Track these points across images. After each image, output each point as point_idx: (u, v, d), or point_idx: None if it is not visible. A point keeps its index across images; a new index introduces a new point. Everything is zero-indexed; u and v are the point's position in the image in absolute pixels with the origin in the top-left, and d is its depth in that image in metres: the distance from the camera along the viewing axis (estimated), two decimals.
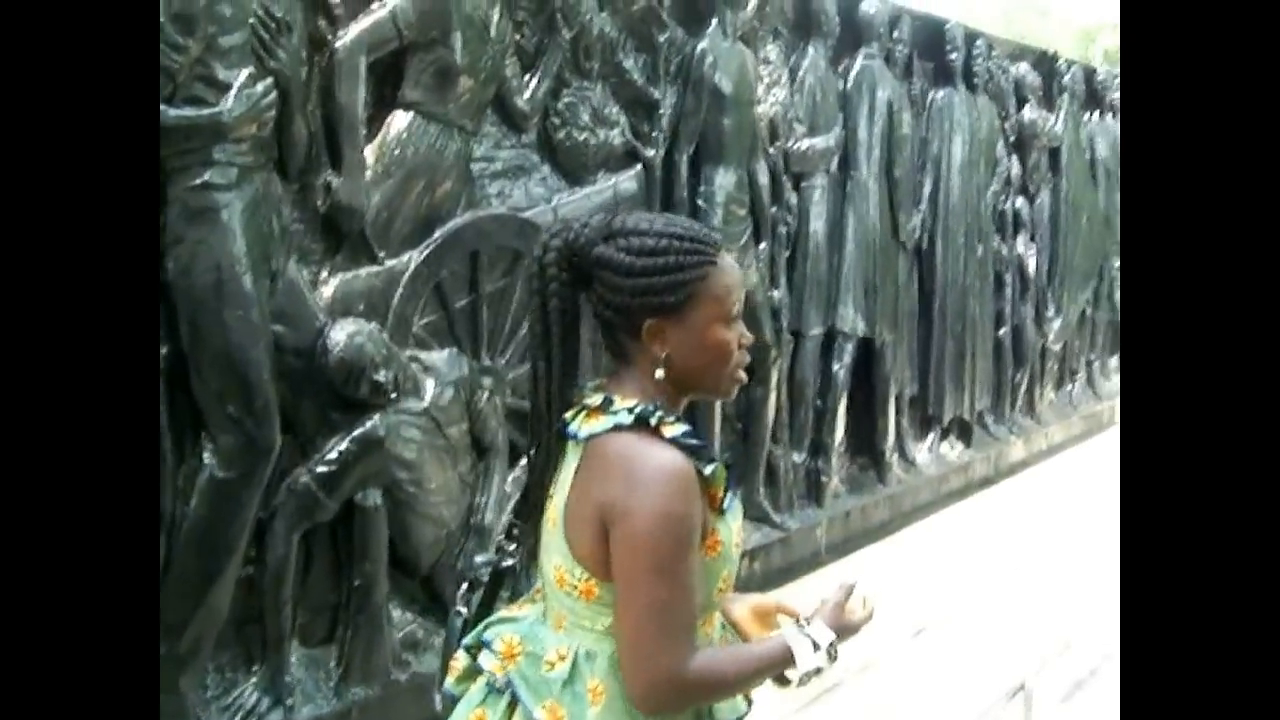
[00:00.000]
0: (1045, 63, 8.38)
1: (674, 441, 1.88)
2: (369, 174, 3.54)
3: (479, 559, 2.36)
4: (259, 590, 3.35)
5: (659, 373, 1.98)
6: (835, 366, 5.79)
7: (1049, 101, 8.26)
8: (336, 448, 3.41)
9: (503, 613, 2.16)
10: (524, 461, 2.24)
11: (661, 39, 4.64)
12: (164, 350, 3.05)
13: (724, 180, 4.89)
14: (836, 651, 1.99)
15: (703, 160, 4.86)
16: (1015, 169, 7.80)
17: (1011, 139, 7.74)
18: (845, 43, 5.93)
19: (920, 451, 6.61)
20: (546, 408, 2.03)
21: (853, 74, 5.97)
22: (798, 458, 5.57)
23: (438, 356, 3.72)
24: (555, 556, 1.96)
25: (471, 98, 3.78)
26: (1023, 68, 7.93)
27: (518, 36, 4.02)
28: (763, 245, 5.22)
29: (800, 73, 5.60)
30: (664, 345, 1.96)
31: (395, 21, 3.52)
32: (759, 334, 5.15)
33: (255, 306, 3.12)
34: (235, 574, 3.23)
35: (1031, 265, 7.89)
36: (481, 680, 2.07)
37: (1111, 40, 20.14)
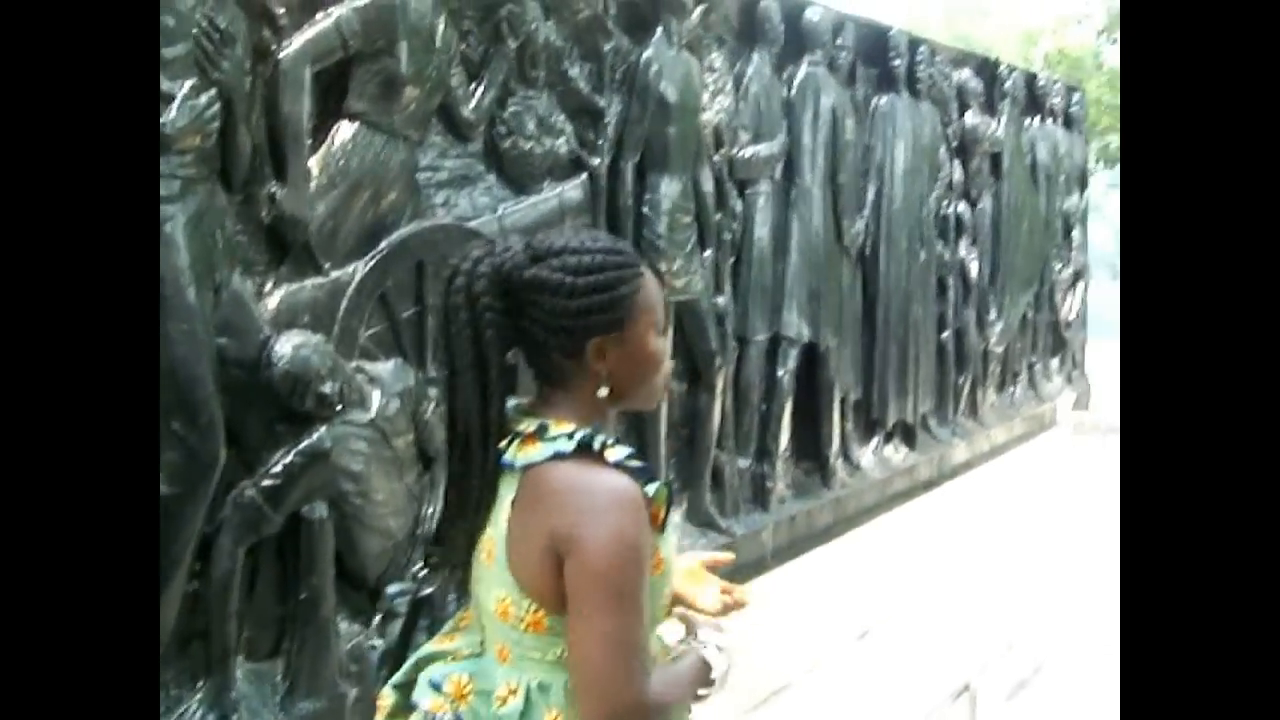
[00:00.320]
0: (987, 69, 8.45)
1: (618, 466, 1.88)
2: (314, 185, 3.53)
3: (393, 589, 2.34)
4: (204, 605, 3.31)
5: (602, 391, 1.98)
6: (780, 372, 5.81)
7: (991, 107, 8.33)
8: (282, 461, 3.39)
9: (431, 647, 2.12)
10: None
11: (607, 47, 4.65)
12: None
13: (669, 188, 4.90)
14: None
15: (648, 168, 4.87)
16: (958, 174, 7.85)
17: (954, 144, 7.80)
18: (789, 50, 5.96)
19: (864, 455, 6.65)
20: (483, 438, 1.96)
21: (797, 81, 5.99)
22: (743, 463, 5.59)
23: (383, 367, 3.71)
24: (497, 589, 1.93)
25: (417, 107, 3.77)
26: (965, 74, 7.99)
27: (463, 46, 4.02)
28: (708, 252, 5.23)
29: (745, 80, 5.63)
30: (605, 363, 1.96)
31: (340, 32, 3.51)
32: (705, 340, 5.17)
33: (199, 320, 3.10)
34: (180, 590, 3.20)
35: (974, 269, 7.95)
36: (415, 718, 2.04)
37: (1052, 43, 20.30)
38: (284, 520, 3.43)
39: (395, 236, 3.75)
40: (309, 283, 3.54)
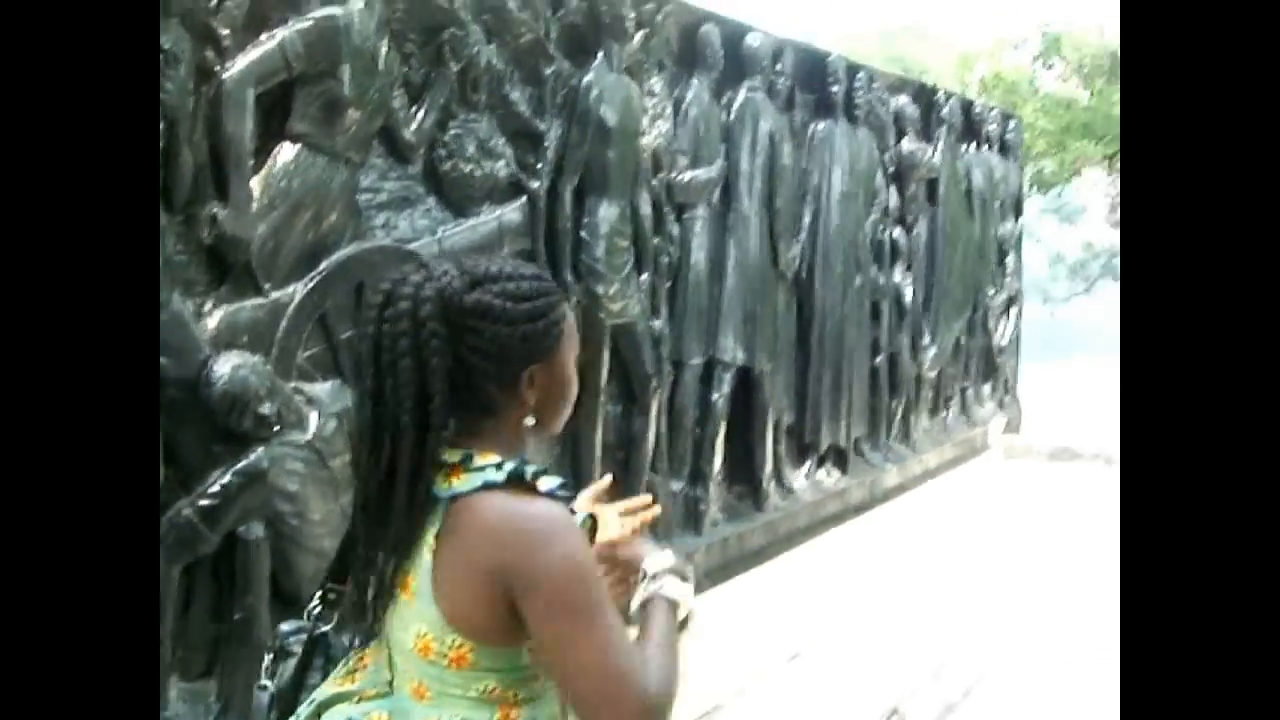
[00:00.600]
0: (924, 95, 8.54)
1: (550, 495, 1.89)
2: (255, 205, 3.53)
3: (285, 628, 2.27)
4: None
5: (529, 420, 2.00)
6: (714, 395, 5.85)
7: (927, 133, 8.41)
8: (219, 480, 3.39)
9: (330, 688, 2.08)
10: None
11: (548, 71, 4.68)
12: None
13: (607, 212, 4.94)
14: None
15: (587, 191, 4.91)
16: (894, 200, 7.93)
17: (890, 170, 7.88)
18: (729, 75, 6.01)
19: (797, 478, 6.70)
20: (417, 470, 1.91)
21: (735, 106, 6.05)
22: (676, 485, 5.62)
23: (321, 388, 3.72)
24: (417, 625, 1.91)
25: (358, 130, 3.80)
26: (902, 100, 8.08)
27: (405, 69, 4.04)
28: (644, 276, 5.27)
29: (684, 105, 5.67)
30: (533, 390, 1.97)
31: (284, 54, 3.53)
32: (640, 363, 5.21)
33: None
34: None
35: (908, 294, 8.03)
36: None
37: (988, 67, 20.49)
38: (220, 540, 3.43)
39: (335, 258, 3.76)
40: (249, 303, 3.55)
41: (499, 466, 1.89)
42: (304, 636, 2.20)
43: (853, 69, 7.28)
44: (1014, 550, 8.57)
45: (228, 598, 3.52)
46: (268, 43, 3.51)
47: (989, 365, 9.85)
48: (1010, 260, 10.13)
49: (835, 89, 6.99)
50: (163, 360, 3.25)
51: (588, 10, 4.88)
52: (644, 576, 2.05)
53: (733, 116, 6.04)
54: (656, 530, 4.43)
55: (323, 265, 3.73)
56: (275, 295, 3.61)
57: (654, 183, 5.37)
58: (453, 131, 4.25)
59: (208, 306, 3.47)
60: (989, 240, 9.62)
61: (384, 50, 3.86)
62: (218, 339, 3.44)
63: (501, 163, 4.44)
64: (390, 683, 1.98)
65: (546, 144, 4.69)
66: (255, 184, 3.54)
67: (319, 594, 2.31)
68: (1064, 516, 9.45)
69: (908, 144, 8.01)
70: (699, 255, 5.73)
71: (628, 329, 5.10)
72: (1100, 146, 18.08)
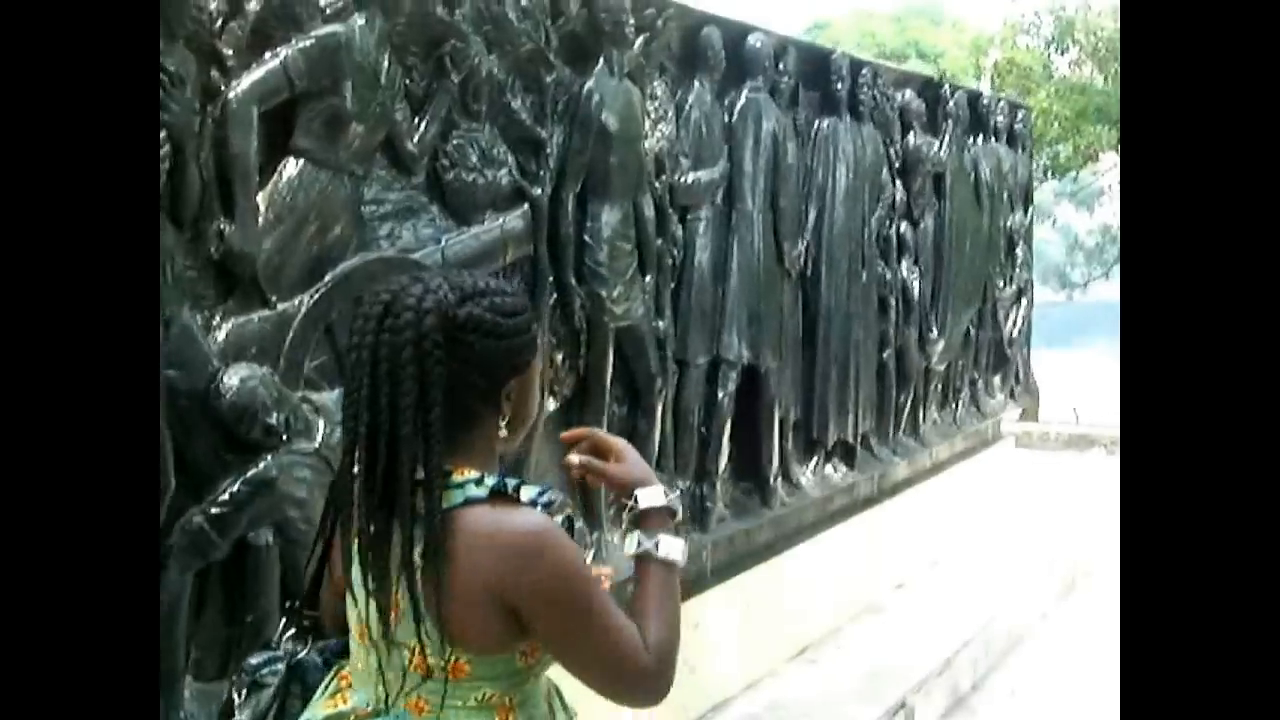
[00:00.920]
0: (930, 89, 8.56)
1: (531, 504, 2.00)
2: (261, 220, 3.61)
3: (256, 660, 2.30)
4: None
5: (503, 432, 2.10)
6: (720, 394, 5.91)
7: (934, 127, 8.43)
8: (229, 489, 3.48)
9: (322, 711, 2.15)
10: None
11: (549, 80, 4.74)
12: None
13: (610, 216, 5.00)
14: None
15: (589, 196, 4.97)
16: (900, 194, 7.94)
17: (896, 165, 7.89)
18: (731, 76, 6.05)
19: (804, 474, 6.74)
20: (427, 485, 1.95)
21: (738, 107, 6.09)
22: (682, 484, 5.67)
23: (328, 397, 3.80)
24: (411, 641, 1.97)
25: (361, 143, 3.87)
26: (908, 94, 8.09)
27: (407, 81, 4.11)
28: (648, 277, 5.33)
29: (686, 108, 5.72)
30: (509, 404, 2.08)
31: (286, 72, 3.60)
32: (645, 364, 5.28)
33: None
34: None
35: (915, 289, 8.04)
36: None
37: (1001, 53, 20.41)
38: (231, 546, 3.52)
39: (339, 269, 3.84)
40: (256, 316, 3.63)
41: (479, 482, 1.99)
42: (275, 667, 2.26)
43: (857, 65, 7.31)
44: (1023, 540, 8.63)
45: (239, 601, 3.61)
46: (271, 62, 3.58)
47: (999, 357, 9.86)
48: (1020, 251, 10.13)
49: (839, 86, 7.02)
50: (173, 372, 3.34)
51: (588, 18, 4.93)
52: (634, 504, 2.14)
53: (735, 117, 6.08)
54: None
55: (328, 277, 3.81)
56: (282, 307, 3.69)
57: (657, 185, 5.42)
58: (455, 141, 4.31)
59: (216, 320, 3.55)
60: (998, 232, 9.62)
61: (385, 64, 3.93)
62: (226, 351, 3.53)
63: (504, 171, 4.51)
64: (384, 700, 2.05)
65: (548, 151, 4.75)
66: (261, 199, 3.62)
67: (288, 620, 2.38)
68: (1072, 505, 9.52)
69: (913, 138, 8.03)
70: (703, 256, 5.79)
71: (632, 330, 5.17)
72: (1115, 131, 17.99)
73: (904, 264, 7.98)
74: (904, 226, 8.01)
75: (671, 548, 2.13)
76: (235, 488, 3.49)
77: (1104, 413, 12.89)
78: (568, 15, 4.84)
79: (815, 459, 6.92)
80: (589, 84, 4.92)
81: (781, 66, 6.43)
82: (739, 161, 6.05)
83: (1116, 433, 10.34)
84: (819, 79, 6.95)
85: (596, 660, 2.01)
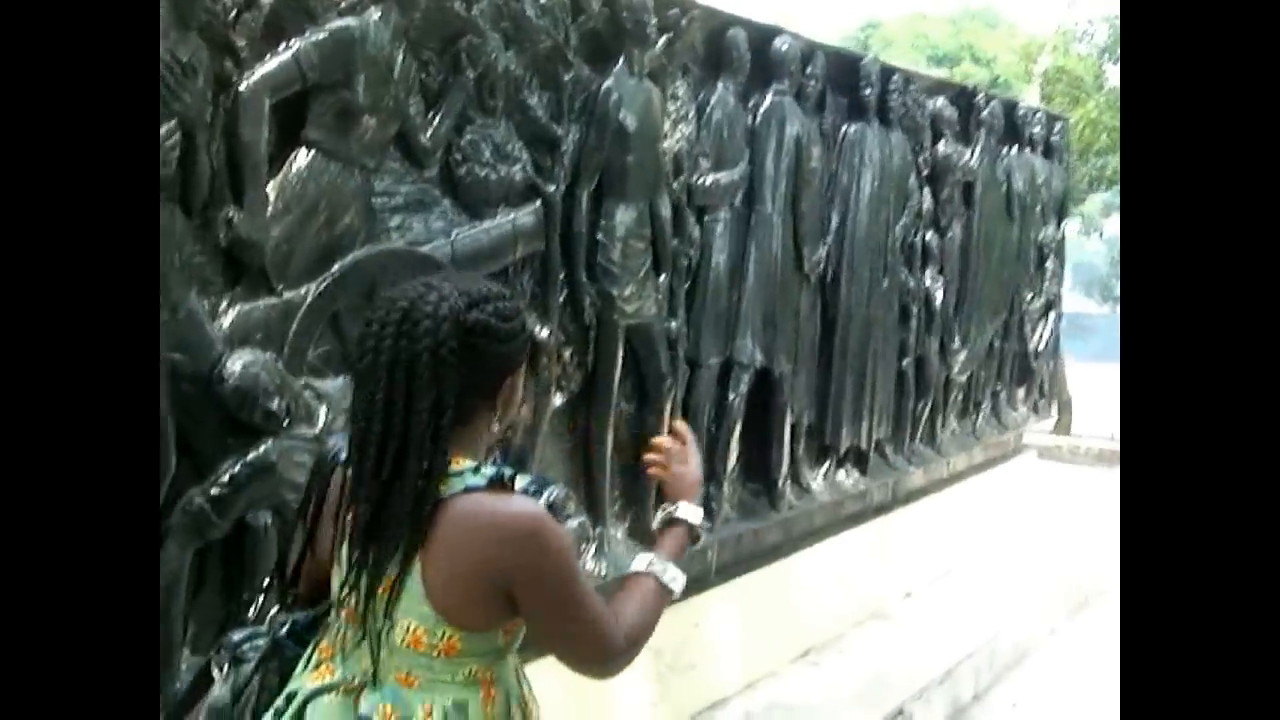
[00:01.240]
0: (964, 97, 8.52)
1: (524, 492, 2.17)
2: (270, 210, 3.68)
3: (236, 636, 2.43)
4: None
5: (495, 426, 2.29)
6: (731, 396, 5.93)
7: (966, 135, 8.40)
8: (229, 471, 3.56)
9: (308, 682, 2.27)
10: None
11: (567, 78, 4.78)
12: None
13: (624, 215, 5.04)
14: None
15: (604, 195, 5.01)
16: (927, 202, 7.92)
17: (925, 173, 7.87)
18: (756, 79, 6.07)
19: (815, 478, 6.75)
20: (428, 475, 2.11)
21: (761, 110, 6.11)
22: None
23: (331, 384, 3.86)
24: (406, 620, 2.13)
25: (373, 136, 3.93)
26: (940, 102, 8.06)
27: (422, 76, 4.16)
28: (662, 277, 5.37)
29: (708, 109, 5.74)
30: (502, 400, 2.26)
31: (299, 64, 3.66)
32: (655, 363, 5.31)
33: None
34: None
35: (939, 297, 8.02)
36: None
37: (1051, 60, 20.25)
38: (230, 526, 3.60)
39: (347, 260, 3.90)
40: (262, 303, 3.70)
41: (476, 470, 2.15)
42: (256, 643, 2.40)
43: (887, 71, 7.28)
44: (1037, 554, 8.62)
45: (237, 579, 3.68)
46: (283, 54, 3.64)
47: (1024, 369, 9.80)
48: (1050, 264, 10.06)
49: (868, 91, 7.01)
50: (178, 356, 3.41)
51: (609, 16, 4.96)
52: (671, 510, 2.56)
53: (758, 120, 6.09)
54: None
55: (335, 267, 3.86)
56: (288, 295, 3.75)
57: (675, 186, 5.45)
58: (469, 136, 4.36)
59: (223, 306, 3.61)
60: (1028, 243, 9.56)
61: (400, 58, 3.98)
62: (231, 337, 3.59)
63: (518, 167, 4.55)
64: (373, 674, 2.18)
65: (564, 148, 4.79)
66: (270, 189, 3.68)
67: (270, 595, 2.50)
68: (1091, 520, 9.48)
69: (944, 146, 8.00)
70: (719, 258, 5.81)
71: (643, 329, 5.20)
72: None
73: (928, 272, 7.96)
74: (930, 235, 7.99)
75: (675, 578, 2.41)
76: (236, 470, 3.57)
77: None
78: (589, 13, 4.88)
79: (827, 464, 6.93)
80: (608, 83, 4.95)
81: (809, 70, 6.43)
82: (760, 164, 6.07)
83: None
84: (848, 84, 6.95)
85: (572, 635, 2.21)
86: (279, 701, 2.28)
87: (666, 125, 5.35)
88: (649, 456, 2.66)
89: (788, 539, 6.33)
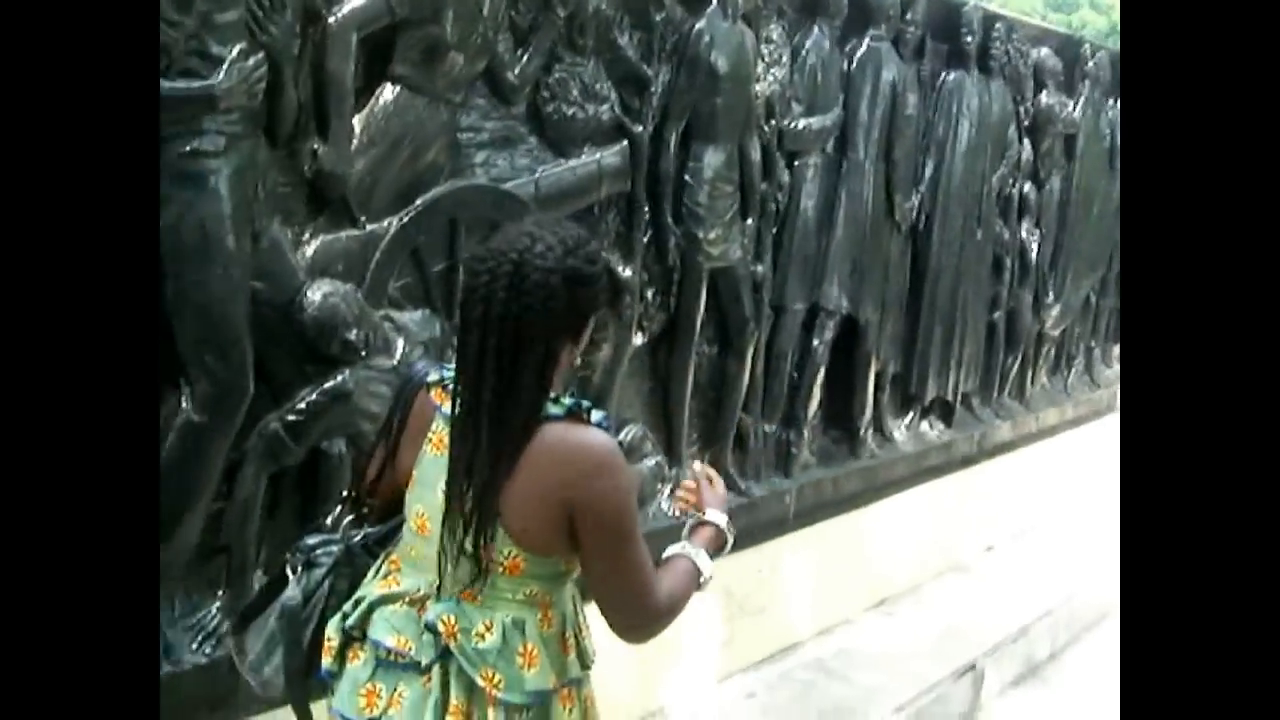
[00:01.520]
0: (1070, 48, 8.33)
1: (599, 425, 2.27)
2: (355, 143, 3.71)
3: (310, 541, 2.54)
4: (227, 524, 3.57)
5: (576, 361, 2.45)
6: (815, 342, 5.92)
7: (1070, 87, 8.21)
8: (306, 398, 3.63)
9: (376, 590, 2.37)
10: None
11: (658, 18, 4.76)
12: None
13: (712, 158, 5.02)
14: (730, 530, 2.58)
15: (693, 137, 4.99)
16: (1026, 154, 7.78)
17: (1025, 123, 7.72)
18: (853, 24, 6.00)
19: (898, 428, 6.73)
20: (529, 418, 2.22)
21: (858, 55, 6.04)
22: (769, 428, 5.72)
23: (410, 317, 3.92)
24: (480, 538, 2.21)
25: (459, 73, 3.94)
26: (1043, 52, 7.88)
27: (512, 13, 4.17)
28: (749, 221, 5.36)
29: (803, 53, 5.70)
30: (583, 339, 2.36)
31: (387, 0, 3.69)
32: (739, 307, 5.31)
33: (236, 264, 3.31)
34: (206, 508, 3.46)
35: (1034, 251, 7.90)
36: (365, 658, 2.33)
37: None
38: (305, 453, 3.68)
39: (430, 195, 3.94)
40: (344, 234, 3.75)
41: (556, 401, 2.26)
42: (330, 549, 2.52)
43: (990, 19, 7.14)
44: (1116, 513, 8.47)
45: (311, 505, 3.76)
46: None
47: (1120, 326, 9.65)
48: None
49: (969, 40, 6.88)
50: (260, 285, 3.46)
51: None
52: (694, 517, 2.57)
53: (854, 65, 6.02)
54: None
55: (418, 201, 3.91)
56: (370, 228, 3.80)
57: (765, 129, 5.42)
58: (557, 75, 4.37)
59: (305, 236, 3.67)
60: None
61: None
62: (313, 266, 3.66)
63: (605, 106, 4.55)
64: (437, 586, 2.29)
65: (653, 89, 4.78)
66: (356, 123, 3.72)
67: (346, 506, 2.59)
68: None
69: (1046, 97, 7.83)
70: (808, 203, 5.78)
71: (727, 272, 5.20)
72: None
73: (1024, 224, 7.84)
74: (1028, 187, 7.85)
75: (708, 566, 2.46)
76: (313, 397, 3.64)
77: None
78: None
79: (911, 414, 6.91)
80: (700, 24, 4.93)
81: (908, 16, 6.33)
82: (854, 110, 6.01)
83: None
84: (949, 31, 6.83)
85: (617, 580, 2.27)
86: (347, 606, 2.39)
87: (759, 68, 5.32)
88: (678, 494, 2.69)
89: (868, 487, 6.33)
